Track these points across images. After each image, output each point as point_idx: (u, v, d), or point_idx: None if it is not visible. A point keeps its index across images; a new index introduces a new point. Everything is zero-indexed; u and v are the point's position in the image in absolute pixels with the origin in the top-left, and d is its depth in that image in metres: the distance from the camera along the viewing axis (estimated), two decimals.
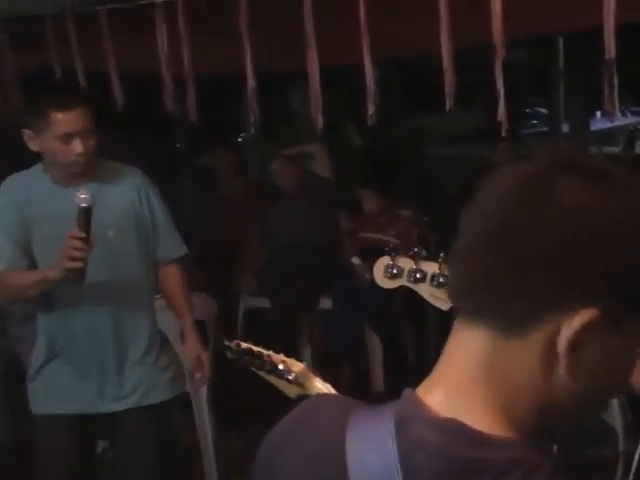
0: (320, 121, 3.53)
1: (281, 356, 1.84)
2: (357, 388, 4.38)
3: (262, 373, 1.87)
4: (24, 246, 2.59)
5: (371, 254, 5.07)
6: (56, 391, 2.71)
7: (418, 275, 1.97)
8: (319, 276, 4.95)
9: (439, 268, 1.94)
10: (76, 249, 2.40)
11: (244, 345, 1.91)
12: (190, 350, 2.80)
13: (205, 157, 7.24)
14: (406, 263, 2.04)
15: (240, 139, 7.90)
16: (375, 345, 4.82)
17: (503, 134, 2.88)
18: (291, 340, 4.96)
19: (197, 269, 5.46)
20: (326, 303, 4.97)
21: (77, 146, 2.56)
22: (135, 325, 2.73)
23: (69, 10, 4.22)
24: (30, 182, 2.69)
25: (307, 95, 3.79)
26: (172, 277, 2.84)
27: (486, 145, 6.05)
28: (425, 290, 1.98)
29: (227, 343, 2.00)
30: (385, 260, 2.08)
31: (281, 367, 1.79)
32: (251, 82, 4.06)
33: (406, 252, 2.06)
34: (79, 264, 2.41)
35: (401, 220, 5.09)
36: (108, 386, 2.69)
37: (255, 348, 1.88)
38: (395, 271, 2.01)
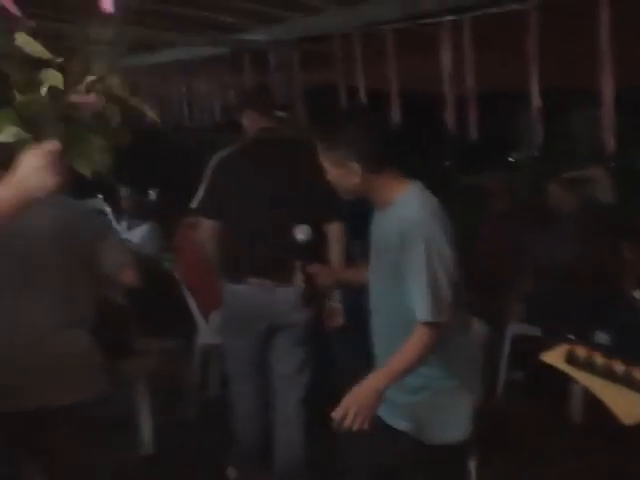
0: (612, 143, 3.32)
1: None
2: None
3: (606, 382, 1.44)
4: None
5: None
6: None
7: None
8: (595, 308, 4.66)
9: None
10: None
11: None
12: None
13: (474, 176, 7.13)
14: None
15: (513, 159, 7.71)
16: None
17: None
18: (560, 373, 4.71)
19: (465, 291, 5.36)
20: (602, 337, 4.66)
21: None
22: None
23: (356, 30, 4.33)
24: None
25: (589, 115, 3.59)
26: None
27: None
28: None
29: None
30: None
31: None
32: (536, 101, 3.92)
33: None
34: None
35: None
36: None
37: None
38: None
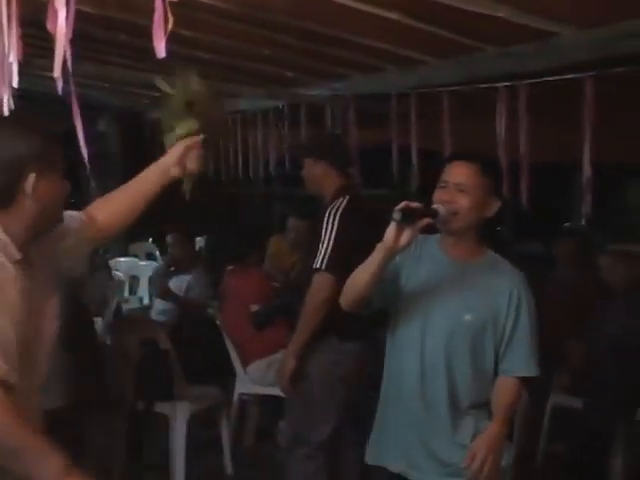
0: None
1: None
2: None
3: None
4: None
5: None
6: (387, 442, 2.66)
7: None
8: None
9: None
10: None
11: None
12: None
13: (531, 243, 7.07)
14: None
15: (564, 229, 7.65)
16: None
17: None
18: (601, 447, 4.60)
19: None
20: None
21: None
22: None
23: (413, 90, 4.37)
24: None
25: None
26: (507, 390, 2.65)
27: None
28: None
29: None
30: None
31: None
32: (587, 172, 3.90)
33: None
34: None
35: None
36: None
37: None
38: None
